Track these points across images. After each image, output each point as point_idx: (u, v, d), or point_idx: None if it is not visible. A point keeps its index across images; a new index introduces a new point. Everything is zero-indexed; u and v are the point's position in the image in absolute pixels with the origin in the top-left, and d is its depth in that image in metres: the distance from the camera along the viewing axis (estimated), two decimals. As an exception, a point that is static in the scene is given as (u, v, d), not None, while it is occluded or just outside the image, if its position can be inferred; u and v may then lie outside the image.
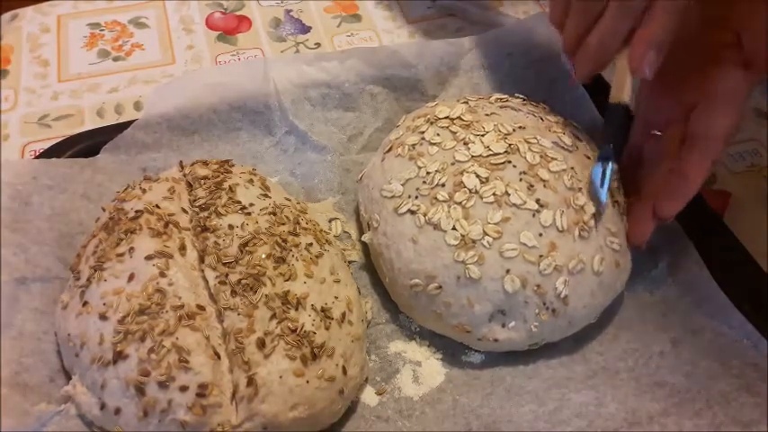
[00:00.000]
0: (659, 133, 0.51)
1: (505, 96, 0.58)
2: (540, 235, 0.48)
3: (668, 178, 0.50)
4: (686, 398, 0.48)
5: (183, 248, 0.47)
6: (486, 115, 0.55)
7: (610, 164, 0.50)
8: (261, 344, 0.44)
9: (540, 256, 0.48)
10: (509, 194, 0.49)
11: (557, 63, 0.65)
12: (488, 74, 0.66)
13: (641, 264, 0.55)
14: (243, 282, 0.45)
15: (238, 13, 0.78)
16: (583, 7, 0.48)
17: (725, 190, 0.63)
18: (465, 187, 0.50)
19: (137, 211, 0.49)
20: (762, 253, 0.54)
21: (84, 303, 0.46)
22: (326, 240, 0.52)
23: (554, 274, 0.48)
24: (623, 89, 0.50)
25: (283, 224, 0.50)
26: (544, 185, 0.50)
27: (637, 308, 0.54)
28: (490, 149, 0.51)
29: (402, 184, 0.52)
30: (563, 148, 0.53)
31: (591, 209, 0.50)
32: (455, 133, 0.53)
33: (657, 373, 0.50)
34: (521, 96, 0.58)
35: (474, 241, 0.48)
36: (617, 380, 0.50)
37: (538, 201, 0.49)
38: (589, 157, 0.54)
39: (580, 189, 0.50)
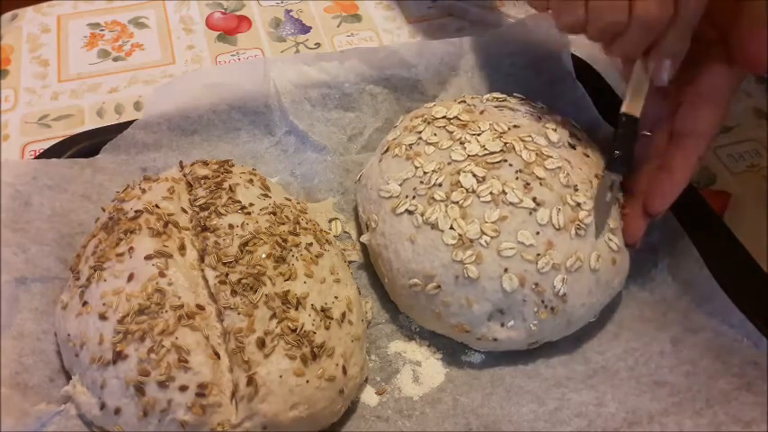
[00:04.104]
0: (649, 134, 0.51)
1: (503, 96, 0.58)
2: (538, 233, 0.48)
3: (656, 175, 0.51)
4: (686, 397, 0.48)
5: (182, 248, 0.47)
6: (481, 113, 0.55)
7: (619, 175, 0.51)
8: (261, 343, 0.44)
9: (538, 254, 0.48)
10: (506, 193, 0.49)
11: (557, 63, 0.65)
12: (488, 74, 0.66)
13: (641, 263, 0.55)
14: (243, 281, 0.45)
15: (238, 13, 0.79)
16: (607, 24, 0.47)
17: (725, 190, 0.63)
18: (462, 187, 0.50)
19: (136, 211, 0.49)
20: (762, 253, 0.54)
21: (84, 303, 0.46)
22: (326, 240, 0.52)
23: (552, 272, 0.48)
24: (637, 102, 0.50)
25: (283, 224, 0.50)
26: (540, 184, 0.50)
27: (637, 307, 0.54)
28: (486, 148, 0.51)
29: (399, 185, 0.52)
30: (558, 145, 0.53)
31: (587, 206, 0.50)
32: (452, 133, 0.53)
33: (657, 373, 0.50)
34: (519, 96, 0.59)
35: (472, 240, 0.48)
36: (617, 379, 0.50)
37: (534, 199, 0.49)
38: (588, 155, 0.54)
39: (576, 187, 0.50)
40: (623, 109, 0.51)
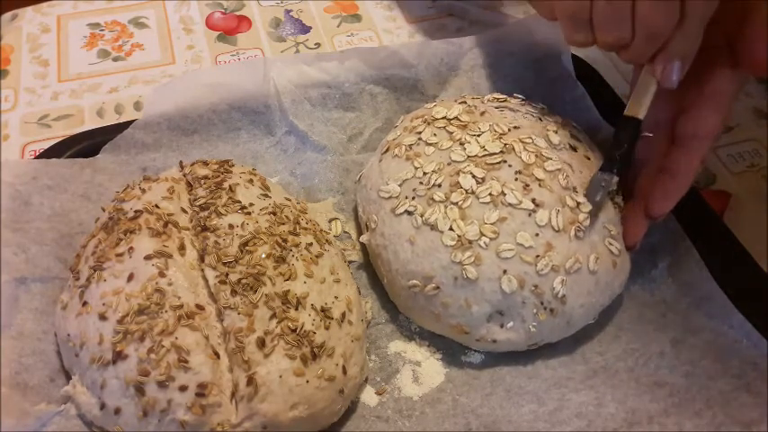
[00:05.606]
0: (650, 135, 0.51)
1: (504, 96, 0.58)
2: (537, 235, 0.48)
3: (658, 178, 0.51)
4: (686, 398, 0.48)
5: (182, 248, 0.47)
6: (481, 114, 0.55)
7: (612, 175, 0.50)
8: (261, 343, 0.44)
9: (537, 256, 0.48)
10: (505, 194, 0.49)
11: (557, 63, 0.65)
12: (488, 74, 0.66)
13: (641, 264, 0.55)
14: (243, 281, 0.45)
15: (238, 13, 0.79)
16: (614, 38, 0.47)
17: (725, 190, 0.63)
18: (461, 188, 0.50)
19: (136, 211, 0.49)
20: (762, 253, 0.54)
21: (84, 303, 0.46)
22: (326, 240, 0.52)
23: (551, 273, 0.48)
24: (642, 104, 0.49)
25: (283, 224, 0.50)
26: (539, 185, 0.50)
27: (637, 308, 0.54)
28: (486, 149, 0.51)
29: (399, 185, 0.52)
30: (559, 148, 0.53)
31: (586, 208, 0.50)
32: (452, 133, 0.53)
33: (657, 373, 0.50)
34: (519, 96, 0.58)
35: (471, 242, 0.48)
36: (617, 380, 0.50)
37: (533, 200, 0.49)
38: (589, 158, 0.54)
39: (575, 189, 0.50)
40: (627, 111, 0.50)
